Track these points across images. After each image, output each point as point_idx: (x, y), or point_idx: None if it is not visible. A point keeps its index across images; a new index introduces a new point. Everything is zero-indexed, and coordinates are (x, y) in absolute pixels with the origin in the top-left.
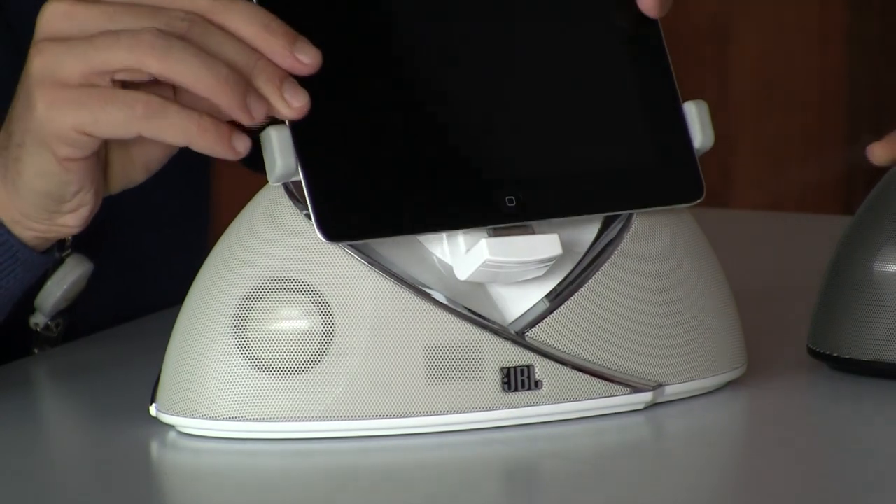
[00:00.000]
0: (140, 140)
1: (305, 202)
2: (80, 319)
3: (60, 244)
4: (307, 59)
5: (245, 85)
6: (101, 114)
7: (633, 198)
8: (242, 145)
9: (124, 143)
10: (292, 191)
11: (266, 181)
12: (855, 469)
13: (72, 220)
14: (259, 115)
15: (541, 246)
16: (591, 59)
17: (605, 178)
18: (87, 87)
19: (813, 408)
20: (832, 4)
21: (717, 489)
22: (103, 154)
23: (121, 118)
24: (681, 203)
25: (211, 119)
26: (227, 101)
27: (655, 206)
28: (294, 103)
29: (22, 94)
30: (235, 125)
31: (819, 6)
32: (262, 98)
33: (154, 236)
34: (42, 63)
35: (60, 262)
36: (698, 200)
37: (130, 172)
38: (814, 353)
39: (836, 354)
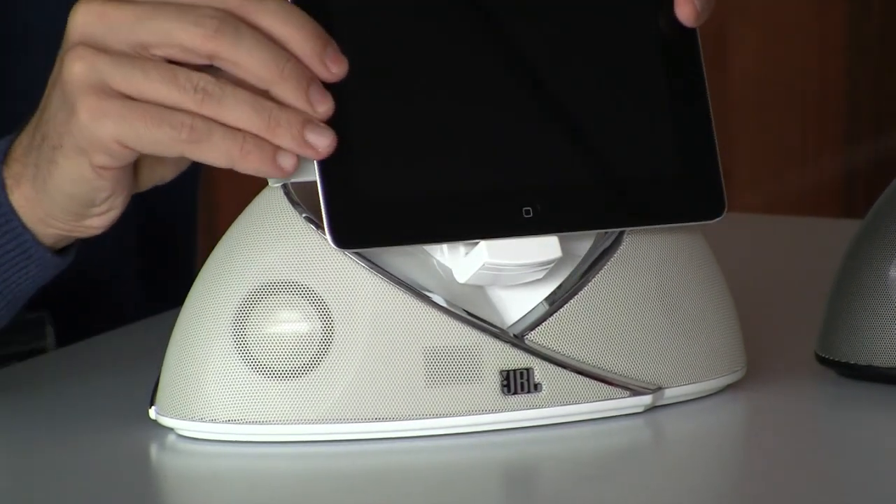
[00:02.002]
0: None
1: (304, 205)
2: (70, 324)
3: None
4: (335, 67)
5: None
6: (144, 131)
7: (652, 214)
8: (289, 162)
9: None
10: (291, 193)
11: (264, 184)
12: (855, 472)
13: (98, 222)
14: (325, 109)
15: (540, 249)
16: (621, 68)
17: (624, 192)
18: (133, 101)
19: (814, 411)
20: (832, 5)
21: (717, 492)
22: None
23: (164, 139)
24: (700, 220)
25: (254, 140)
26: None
27: (674, 222)
28: (319, 108)
29: (56, 97)
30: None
31: (818, 7)
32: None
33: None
34: (83, 69)
35: None
36: (719, 218)
37: (160, 171)
38: (823, 360)
39: (851, 362)
